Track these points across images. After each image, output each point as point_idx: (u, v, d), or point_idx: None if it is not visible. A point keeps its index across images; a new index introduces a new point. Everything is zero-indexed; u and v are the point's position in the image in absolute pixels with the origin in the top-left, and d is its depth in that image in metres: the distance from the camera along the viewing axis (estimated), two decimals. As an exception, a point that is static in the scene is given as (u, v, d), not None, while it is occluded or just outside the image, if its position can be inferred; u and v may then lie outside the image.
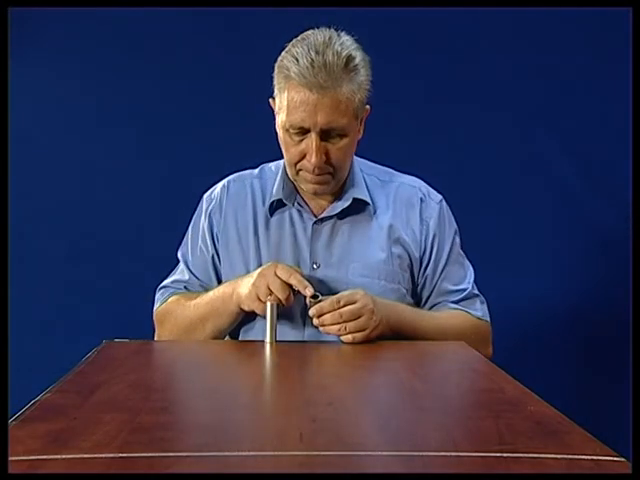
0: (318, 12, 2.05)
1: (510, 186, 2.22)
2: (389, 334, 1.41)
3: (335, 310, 1.35)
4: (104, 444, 0.76)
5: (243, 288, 1.41)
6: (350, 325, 1.34)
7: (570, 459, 0.73)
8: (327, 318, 1.35)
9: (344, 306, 1.35)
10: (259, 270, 1.41)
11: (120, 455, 0.73)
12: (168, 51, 2.21)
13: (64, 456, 0.73)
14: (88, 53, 2.21)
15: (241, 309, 1.43)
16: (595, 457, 0.73)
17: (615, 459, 0.73)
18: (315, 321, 1.36)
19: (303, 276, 1.40)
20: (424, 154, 2.12)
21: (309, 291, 1.36)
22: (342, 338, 1.36)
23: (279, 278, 1.37)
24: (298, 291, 1.38)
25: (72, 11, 2.15)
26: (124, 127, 2.22)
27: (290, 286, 1.37)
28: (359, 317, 1.35)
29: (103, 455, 0.73)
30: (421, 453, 0.75)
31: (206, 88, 2.20)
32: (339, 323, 1.34)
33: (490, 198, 2.21)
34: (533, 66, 2.20)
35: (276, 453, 0.75)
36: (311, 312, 1.36)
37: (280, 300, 1.36)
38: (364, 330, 1.35)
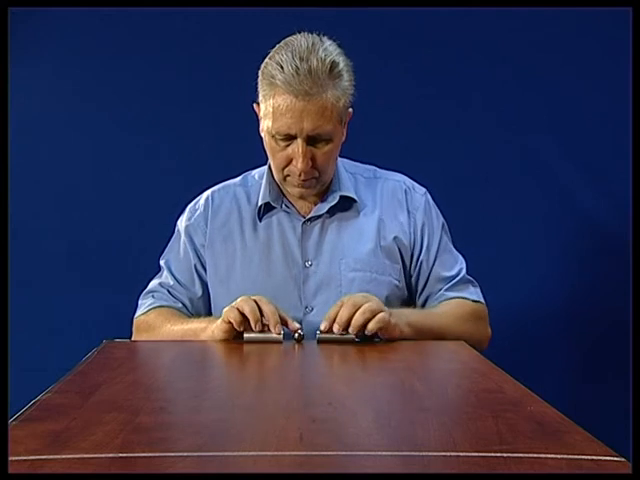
0: (319, 12, 2.05)
1: (509, 186, 2.22)
2: (408, 335, 1.40)
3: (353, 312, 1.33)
4: (104, 444, 0.76)
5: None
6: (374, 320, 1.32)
7: (570, 459, 0.73)
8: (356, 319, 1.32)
9: (359, 308, 1.33)
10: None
11: (120, 455, 0.73)
12: (168, 51, 2.21)
13: (64, 456, 0.73)
14: (88, 53, 2.21)
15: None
16: (595, 457, 0.73)
17: (615, 459, 0.72)
18: (335, 327, 1.33)
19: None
20: (423, 154, 2.12)
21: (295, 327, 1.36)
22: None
23: (257, 304, 1.35)
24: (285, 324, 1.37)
25: (72, 11, 2.14)
26: (124, 127, 2.22)
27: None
28: (379, 312, 1.33)
29: (103, 455, 0.73)
30: (421, 453, 0.75)
31: (207, 88, 2.20)
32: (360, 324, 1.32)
33: (489, 198, 2.21)
34: (533, 66, 2.20)
35: (276, 453, 0.75)
36: (324, 325, 1.35)
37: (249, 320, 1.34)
38: (385, 322, 1.33)
